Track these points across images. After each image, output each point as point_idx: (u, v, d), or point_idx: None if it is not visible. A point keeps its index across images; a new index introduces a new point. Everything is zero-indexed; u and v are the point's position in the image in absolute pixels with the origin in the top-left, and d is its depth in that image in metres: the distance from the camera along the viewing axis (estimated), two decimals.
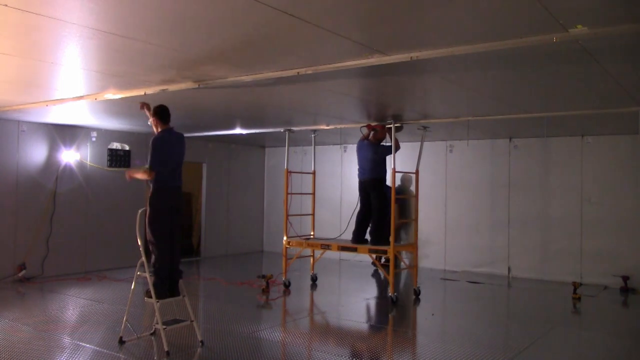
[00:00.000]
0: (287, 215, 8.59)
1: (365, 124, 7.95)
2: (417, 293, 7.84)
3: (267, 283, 8.01)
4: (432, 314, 7.11)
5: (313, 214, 9.10)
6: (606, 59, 4.18)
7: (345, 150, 11.78)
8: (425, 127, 7.84)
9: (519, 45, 3.58)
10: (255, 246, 12.96)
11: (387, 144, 7.79)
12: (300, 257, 8.92)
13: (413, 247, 7.87)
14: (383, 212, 7.61)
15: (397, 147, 7.69)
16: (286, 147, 8.92)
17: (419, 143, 8.00)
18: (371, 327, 6.47)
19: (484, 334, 6.29)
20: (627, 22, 3.22)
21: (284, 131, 8.81)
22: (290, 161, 9.03)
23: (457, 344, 5.69)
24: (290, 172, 8.82)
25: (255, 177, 12.98)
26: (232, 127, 9.15)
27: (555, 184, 9.46)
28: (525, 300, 8.38)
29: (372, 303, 7.75)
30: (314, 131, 8.89)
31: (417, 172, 7.97)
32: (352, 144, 11.60)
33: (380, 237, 7.56)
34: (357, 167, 8.02)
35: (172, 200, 5.28)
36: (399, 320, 6.95)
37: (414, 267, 7.96)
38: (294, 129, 8.78)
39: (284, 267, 8.47)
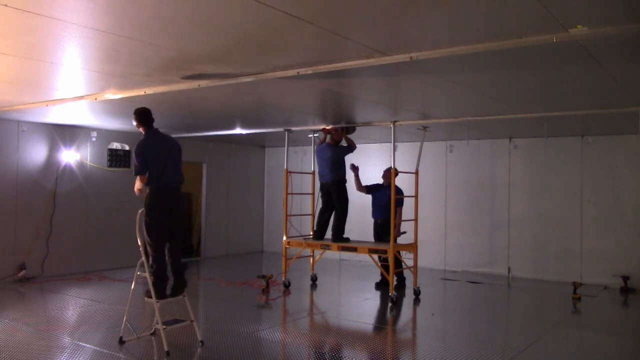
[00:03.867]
0: (287, 215, 8.60)
1: (321, 128, 8.38)
2: (417, 293, 7.84)
3: (267, 283, 8.01)
4: (432, 314, 7.11)
5: (313, 214, 9.10)
6: (606, 59, 4.18)
7: None
8: (425, 127, 7.85)
9: (519, 45, 3.58)
10: (255, 246, 12.96)
11: (344, 145, 8.25)
12: (300, 257, 8.92)
13: (413, 247, 7.87)
14: (344, 211, 8.10)
15: (353, 147, 8.21)
16: (286, 147, 8.92)
17: (419, 143, 8.01)
18: (371, 327, 6.47)
19: (484, 334, 6.30)
20: (627, 22, 3.22)
21: (284, 131, 8.81)
22: (290, 161, 9.03)
23: (457, 344, 5.69)
24: (290, 172, 8.83)
25: (255, 177, 12.98)
26: (232, 127, 9.15)
27: (555, 184, 9.46)
28: (525, 300, 8.38)
29: (372, 303, 7.75)
30: (314, 131, 8.90)
31: (416, 172, 7.97)
32: None
33: (341, 233, 8.08)
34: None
35: (168, 200, 5.24)
36: (399, 320, 6.95)
37: (414, 267, 7.94)
38: (294, 129, 8.78)
39: (283, 267, 8.47)
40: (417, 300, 7.70)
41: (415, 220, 7.96)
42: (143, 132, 5.31)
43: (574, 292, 7.77)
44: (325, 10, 3.18)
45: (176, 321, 5.46)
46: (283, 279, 8.41)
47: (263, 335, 5.86)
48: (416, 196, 7.99)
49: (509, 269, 9.79)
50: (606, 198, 8.99)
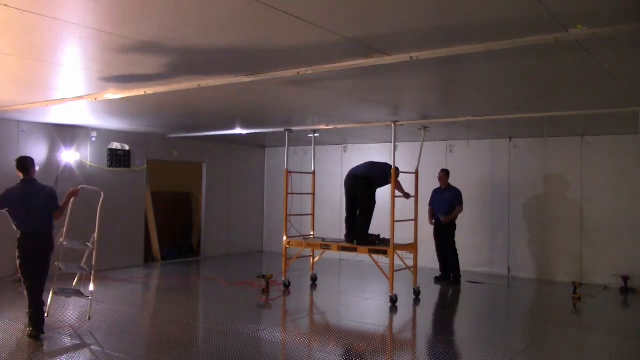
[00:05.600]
0: (287, 215, 8.59)
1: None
2: (417, 293, 7.84)
3: (267, 283, 8.01)
4: (432, 314, 7.10)
5: (313, 214, 9.10)
6: (606, 59, 4.18)
7: (345, 150, 11.78)
8: (425, 127, 7.84)
9: (519, 45, 3.58)
10: (255, 246, 12.96)
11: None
12: (300, 257, 8.92)
13: (413, 247, 7.87)
14: (368, 210, 7.91)
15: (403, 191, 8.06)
16: (286, 147, 8.92)
17: (419, 143, 8.00)
18: (371, 327, 6.47)
19: (484, 334, 6.30)
20: (627, 22, 3.22)
21: (284, 131, 8.81)
22: (290, 161, 9.02)
23: (457, 344, 5.69)
24: (290, 172, 8.82)
25: (255, 177, 12.98)
26: (232, 127, 9.15)
27: (555, 184, 9.46)
28: (525, 300, 8.38)
29: (372, 303, 7.75)
30: (314, 131, 8.89)
31: (417, 172, 7.97)
32: (352, 144, 11.62)
33: (364, 235, 7.86)
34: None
35: (31, 244, 5.54)
36: (399, 320, 6.94)
37: (414, 267, 7.93)
38: (294, 128, 8.78)
39: (283, 267, 8.47)
40: (417, 300, 7.70)
41: (415, 220, 7.95)
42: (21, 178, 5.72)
43: (574, 292, 7.77)
44: (325, 10, 3.18)
45: (77, 292, 6.20)
46: (283, 279, 8.41)
47: (263, 335, 5.86)
48: (416, 196, 7.99)
49: (509, 269, 9.79)
50: (606, 198, 8.98)
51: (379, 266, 7.93)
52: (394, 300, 7.36)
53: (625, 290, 8.43)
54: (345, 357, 5.28)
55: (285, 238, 8.61)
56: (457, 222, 9.42)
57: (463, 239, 10.29)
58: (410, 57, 3.97)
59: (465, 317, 7.08)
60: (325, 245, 8.13)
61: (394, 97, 6.21)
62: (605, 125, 8.17)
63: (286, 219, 8.61)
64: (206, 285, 8.90)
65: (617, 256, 8.80)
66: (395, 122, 7.57)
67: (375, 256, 7.75)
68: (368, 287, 8.81)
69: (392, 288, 7.43)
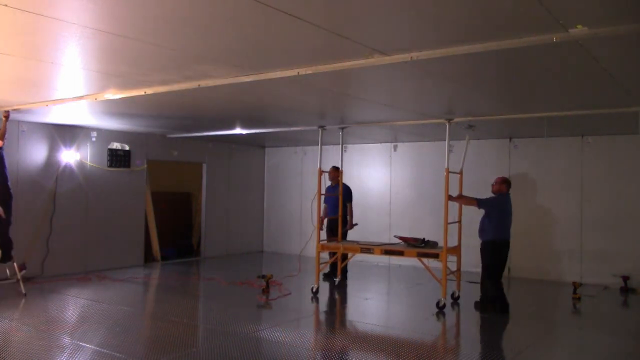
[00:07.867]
0: (320, 218, 8.41)
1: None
2: (453, 298, 7.72)
3: (267, 283, 8.00)
4: (433, 315, 7.10)
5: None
6: (606, 59, 4.18)
7: (345, 150, 11.75)
8: (471, 126, 7.70)
9: (519, 45, 3.58)
10: (255, 246, 12.96)
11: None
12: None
13: (456, 250, 7.66)
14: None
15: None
16: (319, 146, 8.48)
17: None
18: (371, 327, 6.46)
19: (484, 334, 6.29)
20: (627, 22, 3.22)
21: (318, 128, 8.42)
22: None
23: (457, 344, 5.69)
24: (323, 171, 8.37)
25: (255, 177, 12.98)
26: (232, 127, 9.15)
27: (555, 184, 9.46)
28: (525, 300, 8.37)
29: (372, 303, 7.75)
30: (342, 128, 8.55)
31: (461, 172, 7.86)
32: (352, 144, 11.61)
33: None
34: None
35: None
36: (398, 320, 6.94)
37: (457, 270, 7.78)
38: (328, 127, 8.47)
39: (316, 272, 7.99)
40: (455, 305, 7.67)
41: (459, 222, 7.90)
42: None
43: (574, 292, 7.77)
44: (325, 10, 3.18)
45: None
46: (312, 286, 7.91)
47: (263, 335, 5.86)
48: (455, 197, 7.87)
49: (509, 269, 9.77)
50: (606, 198, 8.99)
51: (429, 270, 7.62)
52: (440, 306, 7.08)
53: (625, 290, 8.42)
54: (346, 358, 5.27)
55: (316, 242, 8.05)
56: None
57: (463, 239, 10.30)
58: (411, 57, 3.97)
59: (465, 318, 7.07)
60: (367, 248, 7.68)
61: (394, 97, 6.21)
62: (605, 125, 8.17)
63: (319, 221, 8.36)
64: (206, 285, 8.89)
65: (617, 256, 8.80)
66: (449, 119, 7.31)
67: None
68: (368, 287, 8.79)
69: (444, 292, 7.15)
